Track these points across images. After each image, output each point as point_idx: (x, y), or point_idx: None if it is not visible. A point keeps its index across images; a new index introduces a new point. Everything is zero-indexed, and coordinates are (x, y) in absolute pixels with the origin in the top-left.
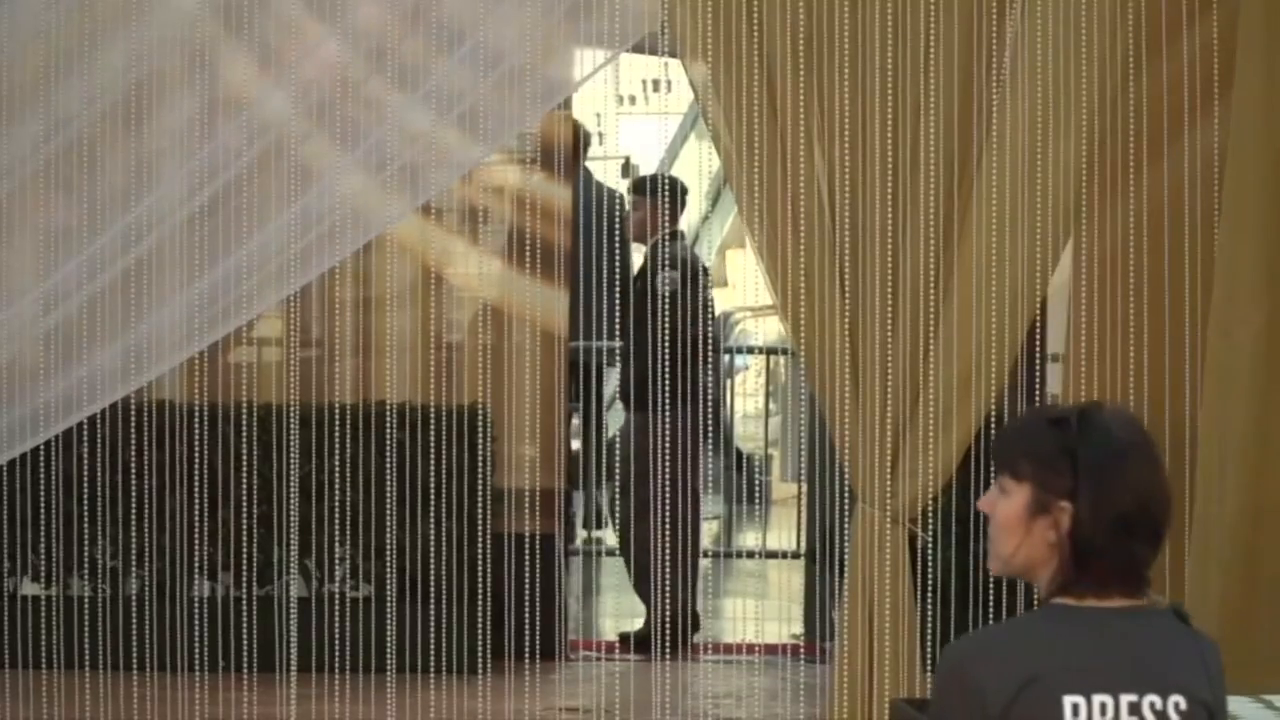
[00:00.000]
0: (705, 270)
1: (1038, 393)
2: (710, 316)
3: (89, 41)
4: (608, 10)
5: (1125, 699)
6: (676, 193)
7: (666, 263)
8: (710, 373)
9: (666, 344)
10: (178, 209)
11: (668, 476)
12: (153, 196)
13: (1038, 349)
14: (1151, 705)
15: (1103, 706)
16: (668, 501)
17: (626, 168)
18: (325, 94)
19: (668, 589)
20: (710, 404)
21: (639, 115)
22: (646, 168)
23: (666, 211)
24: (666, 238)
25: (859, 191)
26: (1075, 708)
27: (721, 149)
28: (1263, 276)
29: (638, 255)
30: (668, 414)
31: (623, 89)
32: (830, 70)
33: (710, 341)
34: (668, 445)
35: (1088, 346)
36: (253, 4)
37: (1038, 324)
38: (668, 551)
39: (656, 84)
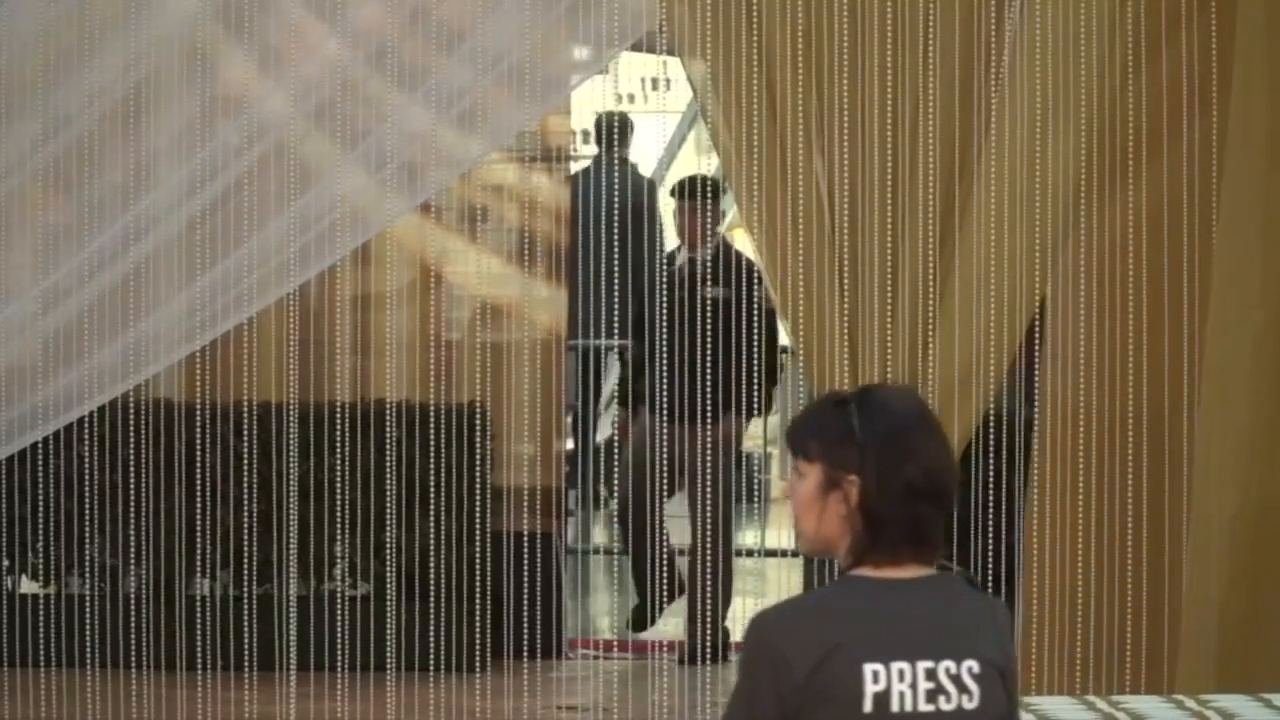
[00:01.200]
0: (758, 276)
1: (1037, 392)
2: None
3: (89, 41)
4: (606, 9)
5: (922, 665)
6: (719, 194)
7: (710, 277)
8: (758, 380)
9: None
10: (177, 208)
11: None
12: (152, 195)
13: (1036, 348)
14: (947, 670)
15: (901, 673)
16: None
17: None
18: (325, 93)
19: (708, 599)
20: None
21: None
22: (645, 167)
23: (710, 214)
24: (710, 247)
25: (858, 190)
26: (875, 675)
27: (720, 147)
28: (1262, 276)
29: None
30: (716, 424)
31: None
32: (829, 68)
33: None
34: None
35: (1086, 345)
36: (252, 4)
37: (1036, 323)
38: (709, 562)
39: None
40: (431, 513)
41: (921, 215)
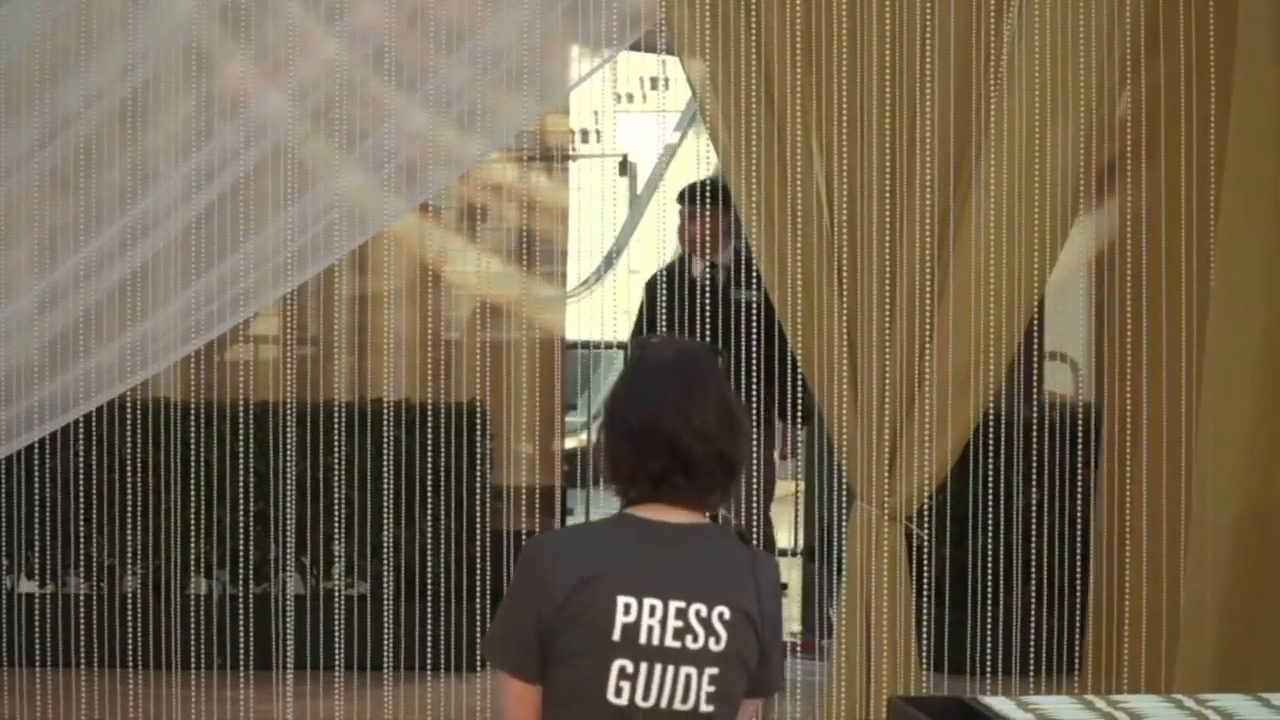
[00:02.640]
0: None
1: (1036, 391)
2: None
3: (88, 42)
4: (606, 9)
5: (674, 604)
6: (726, 199)
7: (737, 280)
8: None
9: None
10: (176, 208)
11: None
12: (151, 196)
13: (1035, 347)
14: (697, 612)
15: (652, 608)
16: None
17: (624, 165)
18: (324, 93)
19: None
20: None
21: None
22: (644, 166)
23: (714, 220)
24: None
25: (857, 189)
26: (627, 607)
27: (719, 146)
28: (1263, 275)
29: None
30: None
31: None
32: (828, 67)
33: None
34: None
35: (1086, 345)
36: (251, 5)
37: (1035, 322)
38: None
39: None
40: (430, 512)
41: (920, 214)
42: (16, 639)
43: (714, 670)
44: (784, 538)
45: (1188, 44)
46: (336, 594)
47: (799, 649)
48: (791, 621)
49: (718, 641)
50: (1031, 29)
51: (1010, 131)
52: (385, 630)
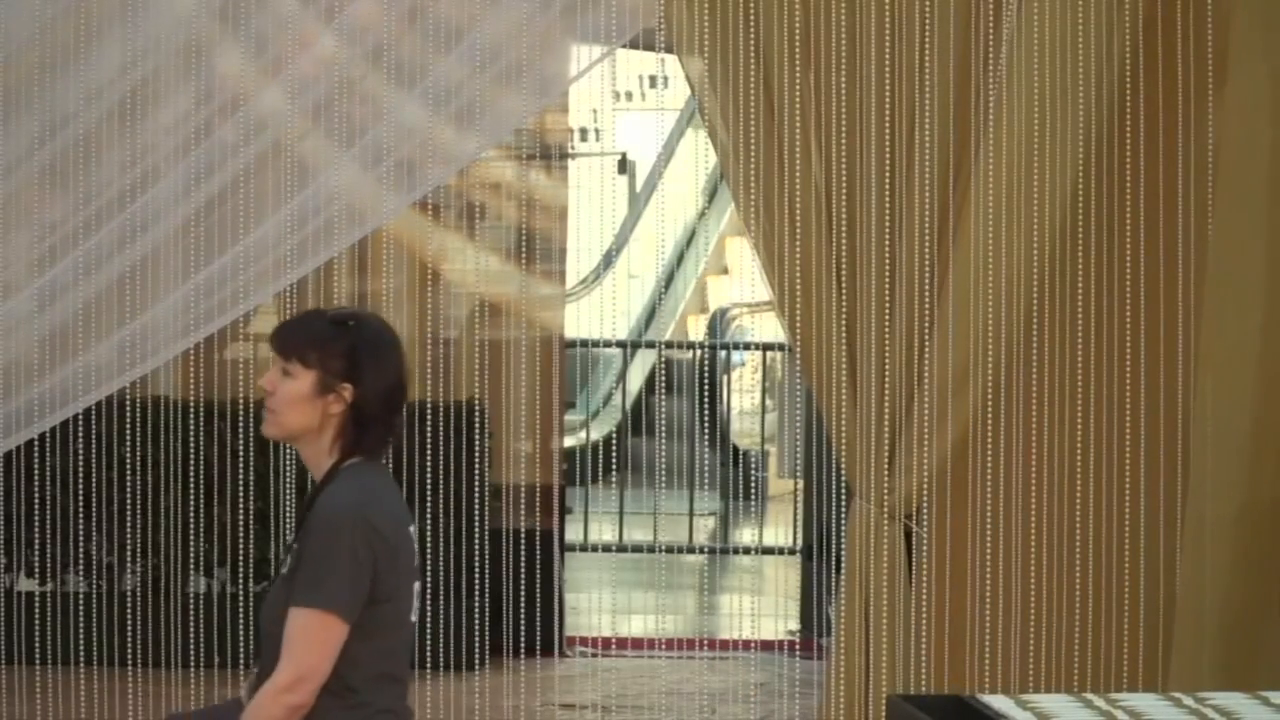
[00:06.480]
0: None
1: (1035, 390)
2: None
3: (86, 39)
4: (604, 6)
5: (411, 529)
6: None
7: None
8: None
9: None
10: (174, 204)
11: None
12: (149, 192)
13: (1034, 345)
14: (412, 532)
15: (410, 533)
16: None
17: (623, 163)
18: (322, 90)
19: None
20: None
21: (635, 111)
22: (643, 164)
23: None
24: None
25: (856, 187)
26: (409, 535)
27: (718, 144)
28: (1259, 274)
29: None
30: None
31: (619, 85)
32: (827, 65)
33: None
34: None
35: (1084, 342)
36: (249, 1)
37: (1034, 321)
38: None
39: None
40: (430, 510)
41: (919, 212)
42: (16, 637)
43: (418, 583)
44: (782, 536)
45: (1185, 44)
46: None
47: (798, 648)
48: (790, 619)
49: (417, 556)
50: (1031, 29)
51: (1010, 131)
52: None
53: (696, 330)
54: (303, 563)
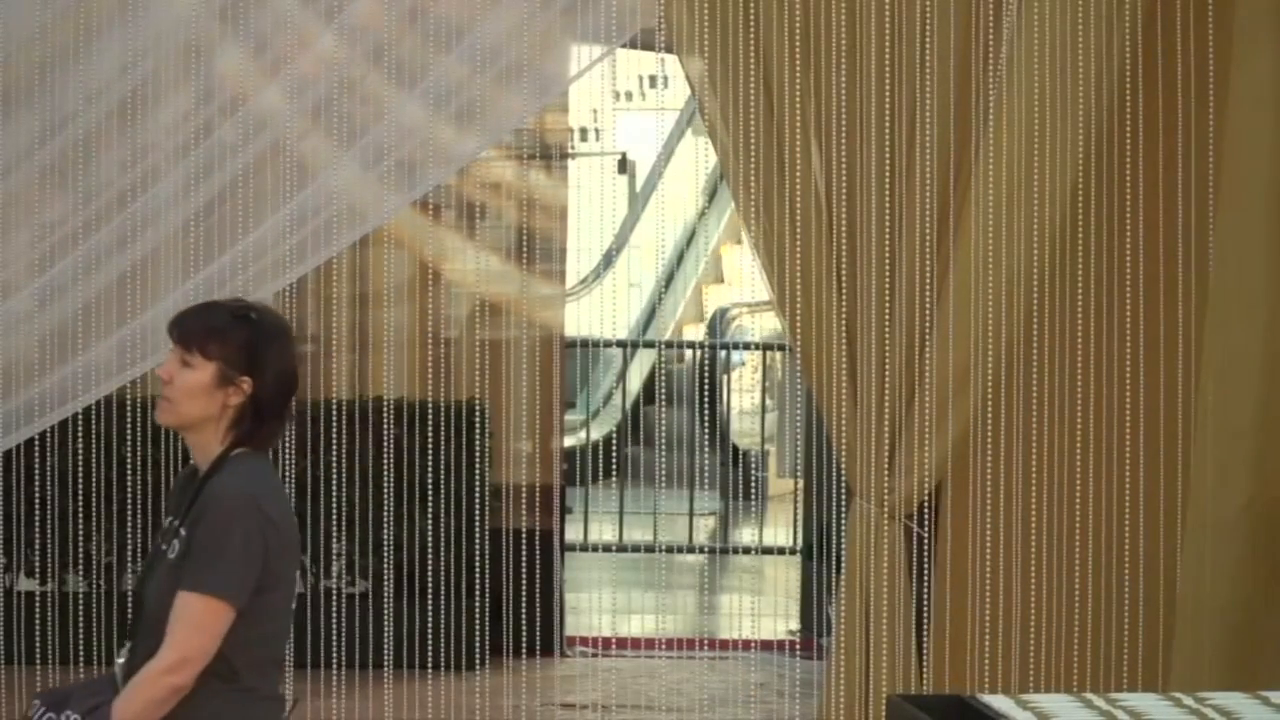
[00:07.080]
0: None
1: (1034, 389)
2: None
3: (86, 38)
4: (604, 6)
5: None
6: None
7: None
8: None
9: None
10: (174, 204)
11: None
12: (150, 191)
13: (1034, 345)
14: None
15: (294, 522)
16: None
17: (623, 163)
18: (322, 90)
19: None
20: None
21: (635, 111)
22: (643, 164)
23: None
24: None
25: (855, 187)
26: (295, 524)
27: (718, 144)
28: (1262, 272)
29: None
30: None
31: (619, 85)
32: (827, 66)
33: None
34: None
35: (1084, 342)
36: (249, 1)
37: (1034, 320)
38: None
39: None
40: (430, 510)
41: (918, 211)
42: (16, 637)
43: (299, 571)
44: (782, 535)
45: (1185, 43)
46: (335, 592)
47: (798, 648)
48: (790, 619)
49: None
50: (1031, 28)
51: (1010, 131)
52: (384, 629)
53: (694, 338)
54: (193, 548)
